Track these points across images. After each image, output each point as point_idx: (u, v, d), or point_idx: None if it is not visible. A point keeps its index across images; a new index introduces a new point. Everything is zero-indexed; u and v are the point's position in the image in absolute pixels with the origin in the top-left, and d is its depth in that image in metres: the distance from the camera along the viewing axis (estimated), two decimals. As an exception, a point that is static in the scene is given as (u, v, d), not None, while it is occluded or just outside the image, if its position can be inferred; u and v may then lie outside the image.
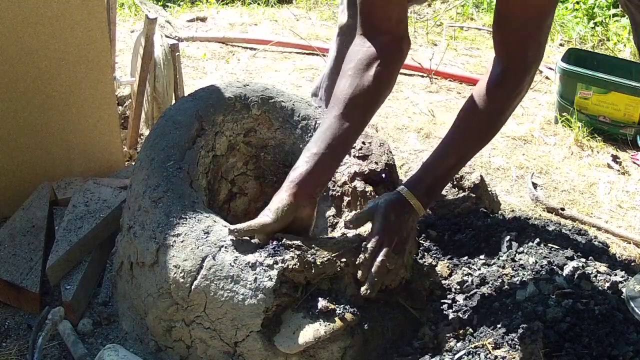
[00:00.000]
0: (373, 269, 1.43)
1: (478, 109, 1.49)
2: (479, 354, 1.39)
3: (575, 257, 1.70)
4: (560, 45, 4.11)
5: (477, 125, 1.51)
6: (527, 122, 3.09)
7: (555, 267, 1.63)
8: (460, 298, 1.60)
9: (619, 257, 1.82)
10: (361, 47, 1.57)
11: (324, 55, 3.56)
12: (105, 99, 2.10)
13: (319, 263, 1.41)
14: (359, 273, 1.45)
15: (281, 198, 1.44)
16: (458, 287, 1.63)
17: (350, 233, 1.55)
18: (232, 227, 1.41)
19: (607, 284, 1.59)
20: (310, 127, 1.82)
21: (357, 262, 1.46)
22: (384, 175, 1.72)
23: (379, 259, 1.43)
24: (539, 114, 3.17)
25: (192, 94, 1.81)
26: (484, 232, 1.82)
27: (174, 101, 2.39)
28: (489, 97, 1.47)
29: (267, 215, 1.43)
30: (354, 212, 1.66)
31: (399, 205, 1.49)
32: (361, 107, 1.53)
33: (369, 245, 1.45)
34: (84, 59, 2.00)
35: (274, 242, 1.42)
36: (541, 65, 3.77)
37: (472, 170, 2.09)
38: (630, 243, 2.20)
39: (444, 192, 2.00)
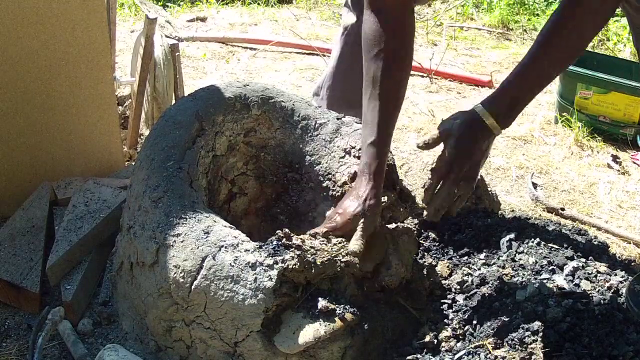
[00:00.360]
0: (439, 195, 1.46)
1: (558, 28, 1.46)
2: (479, 354, 1.39)
3: (575, 257, 1.70)
4: (560, 45, 4.10)
5: (558, 44, 1.48)
6: (527, 122, 3.09)
7: (555, 267, 1.63)
8: (460, 298, 1.60)
9: (619, 257, 1.82)
10: (374, 24, 1.56)
11: (324, 55, 3.56)
12: (105, 99, 2.10)
13: (319, 263, 1.41)
14: (423, 196, 1.47)
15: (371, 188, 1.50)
16: (458, 287, 1.63)
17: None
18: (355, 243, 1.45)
19: (607, 284, 1.59)
20: (310, 127, 1.82)
21: (422, 186, 1.49)
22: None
23: (447, 185, 1.46)
24: (539, 114, 3.17)
25: (192, 94, 1.81)
26: (484, 232, 1.82)
27: (174, 101, 2.40)
28: (568, 17, 1.45)
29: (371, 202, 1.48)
30: (425, 135, 1.63)
31: (474, 126, 1.48)
32: (393, 85, 1.56)
33: (438, 170, 1.48)
34: (84, 59, 2.00)
35: (274, 242, 1.43)
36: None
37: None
38: (630, 243, 2.20)
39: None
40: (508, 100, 1.48)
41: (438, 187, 1.49)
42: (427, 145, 1.55)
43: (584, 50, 1.49)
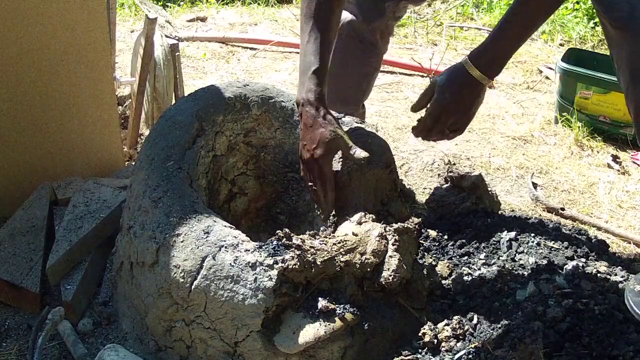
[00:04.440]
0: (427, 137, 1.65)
1: None
2: (479, 354, 1.39)
3: (575, 257, 1.70)
4: (560, 45, 4.11)
5: None
6: (527, 122, 3.09)
7: (555, 267, 1.63)
8: (460, 298, 1.60)
9: (619, 257, 1.82)
10: None
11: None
12: (105, 99, 2.10)
13: (319, 263, 1.41)
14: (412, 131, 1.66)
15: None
16: (458, 287, 1.63)
17: (350, 233, 1.55)
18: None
19: (607, 284, 1.59)
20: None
21: (413, 132, 1.68)
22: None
23: (435, 134, 1.63)
24: (539, 114, 3.17)
25: (192, 94, 1.81)
26: (484, 232, 1.82)
27: (174, 101, 2.40)
28: None
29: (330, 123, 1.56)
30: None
31: (460, 78, 1.58)
32: (331, 17, 1.65)
33: (424, 122, 1.62)
34: (84, 59, 2.00)
35: (274, 242, 1.43)
36: (541, 65, 3.77)
37: (472, 170, 2.09)
38: (630, 243, 2.20)
39: (444, 192, 1.99)
40: (493, 52, 1.58)
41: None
42: (419, 104, 1.67)
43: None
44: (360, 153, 1.56)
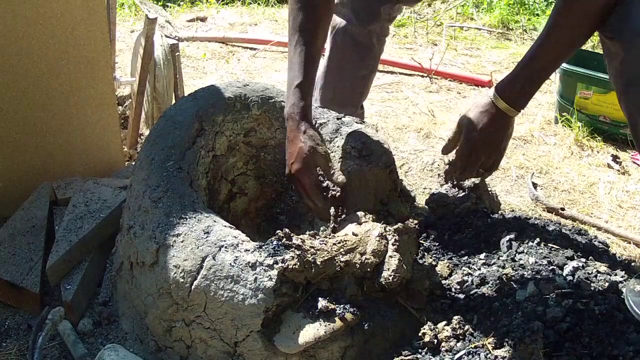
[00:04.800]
0: (459, 178, 1.65)
1: (571, 9, 1.49)
2: (479, 354, 1.39)
3: (575, 257, 1.70)
4: (560, 45, 4.10)
5: (570, 24, 1.50)
6: (527, 122, 3.09)
7: (555, 267, 1.63)
8: (460, 298, 1.60)
9: (619, 257, 1.82)
10: None
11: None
12: (105, 99, 2.10)
13: (319, 263, 1.41)
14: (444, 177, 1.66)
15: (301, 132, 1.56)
16: (458, 287, 1.63)
17: (350, 232, 1.55)
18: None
19: (607, 284, 1.59)
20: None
21: (445, 175, 1.67)
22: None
23: (468, 174, 1.63)
24: (539, 114, 3.17)
25: (192, 94, 1.81)
26: (484, 232, 1.82)
27: (174, 101, 2.40)
28: None
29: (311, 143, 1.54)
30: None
31: (486, 115, 1.55)
32: (317, 31, 1.64)
33: (457, 163, 1.62)
34: (84, 59, 2.00)
35: (274, 242, 1.42)
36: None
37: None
38: (630, 243, 2.20)
39: (443, 192, 1.99)
40: (520, 83, 1.53)
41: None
42: (449, 146, 1.64)
43: (596, 27, 1.50)
44: (338, 177, 1.57)
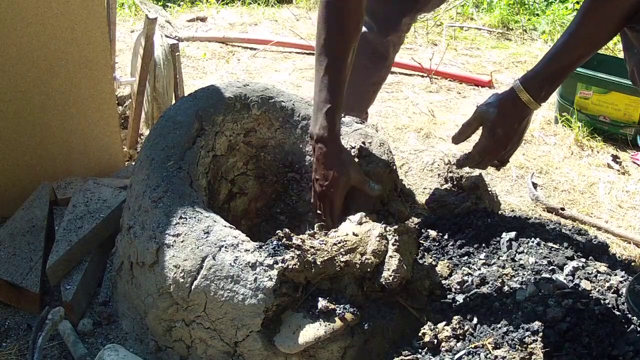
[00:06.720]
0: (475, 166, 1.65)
1: (603, 6, 1.47)
2: (479, 354, 1.39)
3: (575, 257, 1.70)
4: (560, 45, 4.10)
5: (599, 21, 1.49)
6: (527, 122, 3.08)
7: (555, 267, 1.63)
8: (460, 298, 1.60)
9: (619, 257, 1.82)
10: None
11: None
12: (105, 99, 2.10)
13: (319, 263, 1.41)
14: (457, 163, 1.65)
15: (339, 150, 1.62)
16: (458, 287, 1.63)
17: (350, 232, 1.55)
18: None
19: (607, 284, 1.59)
20: (310, 127, 1.82)
21: (459, 164, 1.64)
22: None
23: (485, 164, 1.61)
24: (539, 114, 3.17)
25: (192, 94, 1.81)
26: (484, 232, 1.82)
27: (174, 101, 2.40)
28: None
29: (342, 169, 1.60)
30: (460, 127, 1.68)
31: (509, 105, 1.53)
32: (347, 53, 1.62)
33: (475, 156, 1.60)
34: (84, 59, 2.00)
35: (274, 242, 1.42)
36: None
37: (472, 170, 2.09)
38: (630, 243, 2.20)
39: (444, 192, 2.00)
40: (543, 76, 1.52)
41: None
42: (462, 134, 1.62)
43: (624, 25, 1.49)
44: (374, 187, 1.65)
